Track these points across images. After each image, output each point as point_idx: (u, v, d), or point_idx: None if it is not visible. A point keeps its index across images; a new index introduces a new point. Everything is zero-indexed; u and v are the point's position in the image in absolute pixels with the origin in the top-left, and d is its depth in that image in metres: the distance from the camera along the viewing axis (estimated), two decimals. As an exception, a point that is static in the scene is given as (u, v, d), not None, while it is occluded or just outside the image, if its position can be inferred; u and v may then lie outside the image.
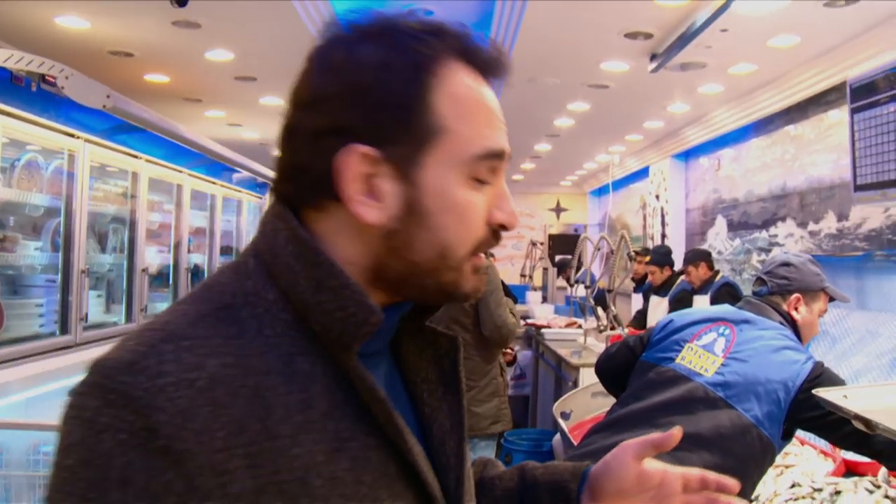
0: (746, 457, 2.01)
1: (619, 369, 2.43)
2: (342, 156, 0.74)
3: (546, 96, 6.53)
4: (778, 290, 2.32)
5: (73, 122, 3.89)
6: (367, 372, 0.75)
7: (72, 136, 3.82)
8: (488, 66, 0.81)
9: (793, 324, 2.28)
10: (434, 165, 0.76)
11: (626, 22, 4.58)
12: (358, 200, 0.75)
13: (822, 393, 1.86)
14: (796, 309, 2.30)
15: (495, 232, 0.81)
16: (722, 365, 2.13)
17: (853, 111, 2.33)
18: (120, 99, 3.39)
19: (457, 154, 0.77)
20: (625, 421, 2.15)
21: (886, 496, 2.15)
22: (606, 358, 2.52)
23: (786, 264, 2.35)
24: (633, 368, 2.34)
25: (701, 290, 6.01)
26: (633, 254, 7.24)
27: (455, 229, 0.78)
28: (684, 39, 4.57)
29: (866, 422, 1.63)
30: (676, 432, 1.01)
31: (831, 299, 2.39)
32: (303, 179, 0.77)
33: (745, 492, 2.08)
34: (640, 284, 7.51)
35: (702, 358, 2.18)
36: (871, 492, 2.19)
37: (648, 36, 4.80)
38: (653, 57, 5.17)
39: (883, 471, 2.29)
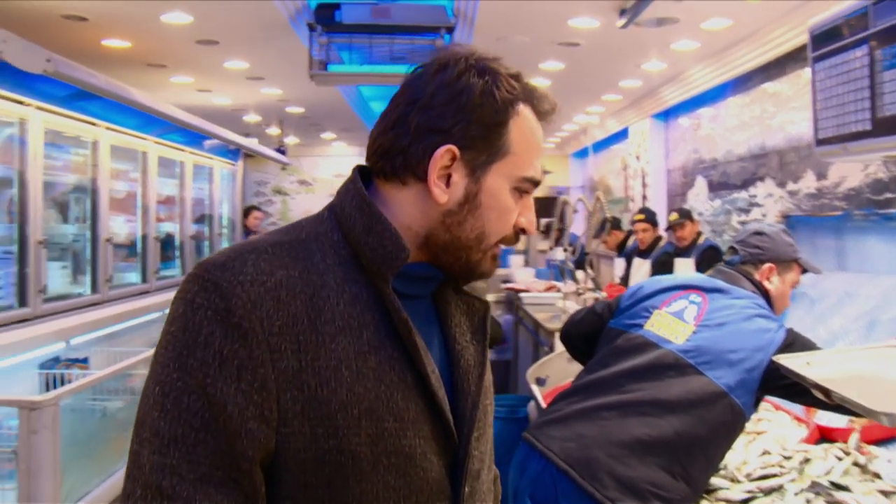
0: (717, 424, 1.98)
1: (585, 335, 2.40)
2: (439, 149, 1.00)
3: (517, 56, 6.38)
4: (750, 259, 2.31)
5: (25, 89, 3.74)
6: (396, 297, 0.98)
7: (20, 103, 3.68)
8: (545, 113, 1.08)
9: (765, 294, 2.26)
10: (495, 174, 1.03)
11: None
12: (435, 183, 1.01)
13: (785, 361, 1.78)
14: (768, 279, 2.29)
15: (517, 233, 1.07)
16: (693, 332, 2.10)
17: (815, 60, 2.23)
18: (62, 63, 3.24)
19: (512, 171, 1.04)
20: (593, 387, 2.12)
21: (855, 463, 2.10)
22: (572, 324, 2.48)
23: (759, 233, 2.35)
24: (600, 335, 2.29)
25: (684, 252, 5.94)
26: (609, 219, 7.15)
27: (495, 222, 1.05)
28: (652, -7, 4.46)
29: (825, 391, 1.55)
30: None
31: (804, 271, 2.38)
32: (398, 158, 1.02)
33: (715, 459, 2.04)
34: (621, 250, 7.43)
35: (672, 325, 2.15)
36: (840, 459, 2.14)
37: (616, -10, 4.70)
38: (622, 12, 5.05)
39: (853, 438, 2.24)
